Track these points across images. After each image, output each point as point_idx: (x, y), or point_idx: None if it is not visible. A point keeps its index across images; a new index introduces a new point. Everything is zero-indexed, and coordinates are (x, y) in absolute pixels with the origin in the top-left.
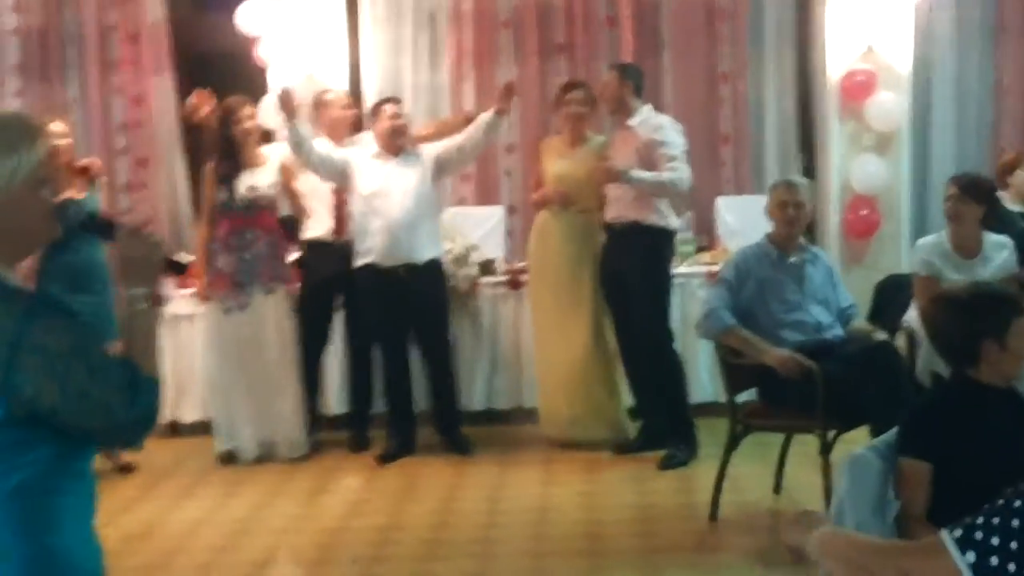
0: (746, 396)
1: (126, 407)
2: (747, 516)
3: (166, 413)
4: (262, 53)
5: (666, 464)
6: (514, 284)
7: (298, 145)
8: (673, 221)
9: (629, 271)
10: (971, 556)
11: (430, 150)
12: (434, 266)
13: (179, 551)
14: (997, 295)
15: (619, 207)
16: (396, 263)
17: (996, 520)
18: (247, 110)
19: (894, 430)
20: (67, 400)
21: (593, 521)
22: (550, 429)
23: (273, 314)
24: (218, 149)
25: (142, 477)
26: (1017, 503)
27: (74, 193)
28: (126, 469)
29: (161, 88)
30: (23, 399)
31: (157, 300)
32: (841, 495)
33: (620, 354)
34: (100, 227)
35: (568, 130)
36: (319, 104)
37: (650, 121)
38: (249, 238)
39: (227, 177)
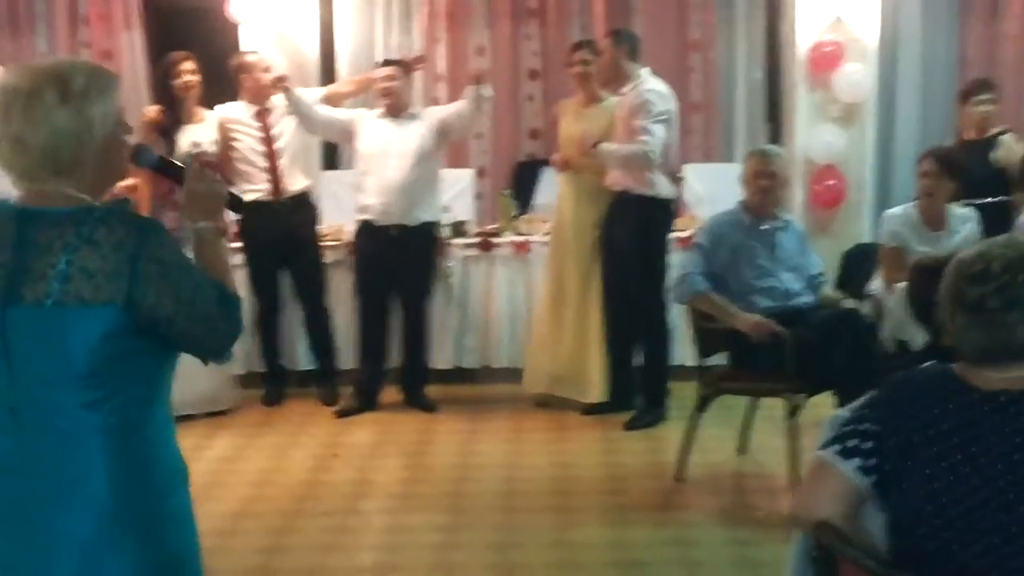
0: (716, 360)
1: (223, 318)
2: (713, 477)
3: None
4: (233, 10)
5: (632, 425)
6: (485, 246)
7: (298, 113)
8: (664, 189)
9: (621, 239)
10: (854, 462)
11: (434, 114)
12: (427, 229)
13: None
14: None
15: (614, 174)
16: (389, 222)
17: (853, 427)
18: (187, 64)
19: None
20: (180, 307)
21: (562, 478)
22: (540, 387)
23: None
24: (158, 103)
25: None
26: (865, 410)
27: None
28: None
29: (130, 44)
30: (145, 307)
31: (222, 231)
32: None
33: (605, 315)
34: (169, 167)
35: (579, 91)
36: (241, 68)
37: (637, 89)
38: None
39: (167, 131)
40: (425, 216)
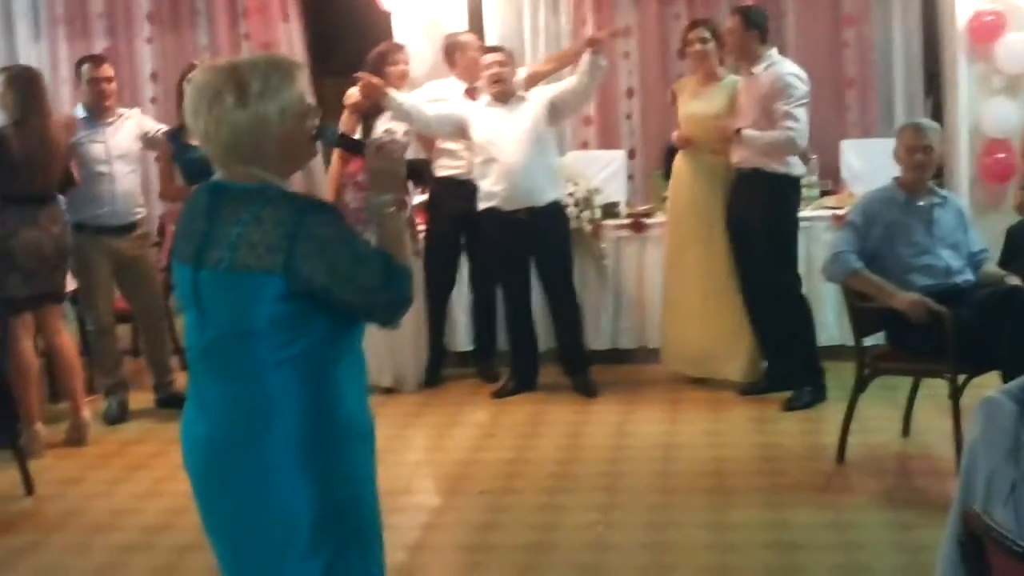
0: (873, 340)
1: (383, 289)
2: (874, 458)
3: None
4: None
5: (791, 405)
6: (637, 227)
7: (404, 117)
8: (797, 168)
9: (753, 217)
10: None
11: (542, 94)
12: (555, 208)
13: None
14: None
15: (742, 152)
16: (517, 207)
17: None
18: (403, 54)
19: None
20: (335, 279)
21: (719, 459)
22: (677, 365)
23: None
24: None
25: None
26: None
27: None
28: None
29: (288, 36)
30: (301, 276)
31: (401, 204)
32: (973, 440)
33: (743, 298)
34: (351, 145)
35: (697, 70)
36: (454, 47)
37: (772, 69)
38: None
39: (368, 117)
40: (551, 195)
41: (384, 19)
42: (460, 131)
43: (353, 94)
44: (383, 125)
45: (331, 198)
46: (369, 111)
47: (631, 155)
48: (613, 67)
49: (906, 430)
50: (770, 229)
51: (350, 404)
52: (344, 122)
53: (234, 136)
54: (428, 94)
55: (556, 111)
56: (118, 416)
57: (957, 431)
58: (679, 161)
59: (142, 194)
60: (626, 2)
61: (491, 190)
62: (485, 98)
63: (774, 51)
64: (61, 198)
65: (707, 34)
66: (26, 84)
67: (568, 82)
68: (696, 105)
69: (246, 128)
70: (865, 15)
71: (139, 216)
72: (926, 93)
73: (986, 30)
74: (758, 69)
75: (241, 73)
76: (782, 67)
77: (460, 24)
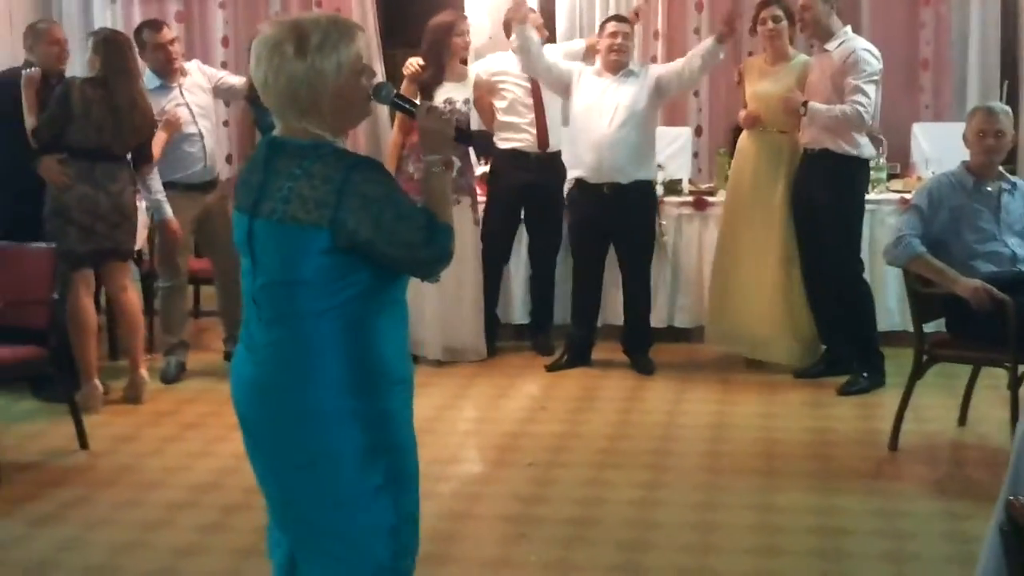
0: (934, 327)
1: (425, 245)
2: (929, 447)
3: None
4: None
5: (846, 390)
6: (699, 204)
7: (525, 50)
8: (867, 149)
9: (820, 198)
10: None
11: (653, 72)
12: (642, 187)
13: None
14: None
15: (812, 132)
16: (601, 180)
17: None
18: (465, 25)
19: None
20: (379, 233)
21: (770, 440)
22: (724, 345)
23: (456, 224)
24: (426, 58)
25: None
26: None
27: None
28: None
29: (362, 4)
30: (346, 231)
31: (448, 165)
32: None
33: (804, 280)
34: (404, 105)
35: (767, 48)
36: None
37: (846, 45)
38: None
39: (428, 87)
40: (640, 174)
41: None
42: (564, 88)
43: (413, 63)
44: (443, 95)
45: (391, 167)
46: (428, 81)
47: (697, 132)
48: (682, 44)
49: (963, 419)
50: (837, 211)
51: (390, 352)
52: (403, 91)
53: (291, 86)
54: (482, 68)
55: (661, 91)
56: (175, 376)
57: (1014, 421)
58: (743, 141)
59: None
60: None
61: (579, 159)
62: (598, 63)
63: (848, 28)
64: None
65: (779, 12)
66: (114, 47)
67: (679, 64)
68: (765, 85)
69: (302, 79)
70: None
71: (220, 172)
72: (1002, 78)
73: None
74: (831, 46)
75: (302, 27)
76: (855, 43)
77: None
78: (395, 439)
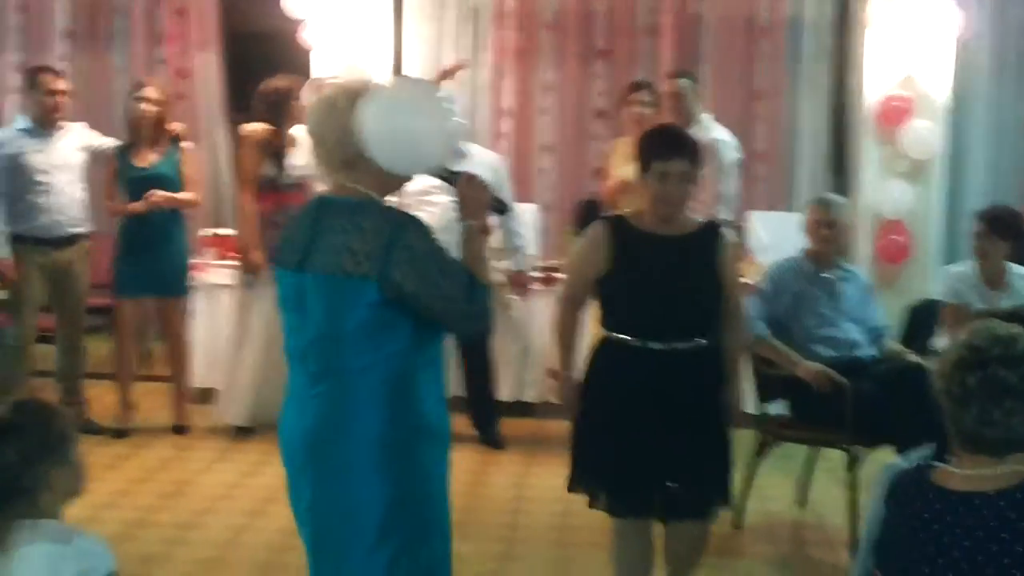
0: (774, 409)
1: (466, 300)
2: (770, 525)
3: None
4: (307, 36)
5: None
6: (547, 280)
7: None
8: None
9: None
10: None
11: None
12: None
13: (210, 512)
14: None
15: None
16: None
17: None
18: (303, 90)
19: (926, 446)
20: (424, 286)
21: None
22: None
23: None
24: (272, 124)
25: (178, 440)
26: None
27: (159, 153)
28: (180, 430)
29: (205, 65)
30: (393, 283)
31: (484, 230)
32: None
33: None
34: (447, 175)
35: (633, 132)
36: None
37: (707, 133)
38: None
39: (277, 153)
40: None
41: (304, 55)
42: None
43: (254, 129)
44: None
45: (250, 238)
46: (278, 146)
47: (545, 209)
48: (530, 122)
49: (803, 499)
50: None
51: (428, 408)
52: (247, 158)
53: (340, 138)
54: None
55: None
56: None
57: (853, 501)
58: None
59: (86, 208)
60: (547, 60)
61: None
62: None
63: (708, 116)
64: None
65: (648, 97)
66: None
67: None
68: (627, 169)
69: (351, 130)
70: (778, 91)
71: (79, 229)
72: (831, 170)
73: (894, 114)
74: (694, 131)
75: (357, 89)
76: (713, 132)
77: (382, 67)
78: (426, 493)
